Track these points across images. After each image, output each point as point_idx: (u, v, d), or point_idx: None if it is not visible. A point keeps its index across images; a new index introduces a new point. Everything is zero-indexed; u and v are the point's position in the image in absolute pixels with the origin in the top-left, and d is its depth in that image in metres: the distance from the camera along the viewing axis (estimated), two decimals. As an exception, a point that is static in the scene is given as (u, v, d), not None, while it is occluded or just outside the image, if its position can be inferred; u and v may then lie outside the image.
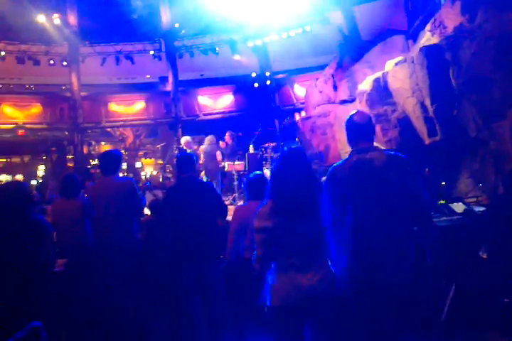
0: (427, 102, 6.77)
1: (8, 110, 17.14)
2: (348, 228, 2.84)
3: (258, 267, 2.83)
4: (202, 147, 10.64)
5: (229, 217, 4.71)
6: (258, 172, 4.63)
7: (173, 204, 4.63)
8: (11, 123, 16.80)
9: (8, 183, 4.08)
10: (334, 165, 3.02)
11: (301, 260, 2.77)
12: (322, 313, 2.81)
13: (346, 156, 3.07)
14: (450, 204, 4.53)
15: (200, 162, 10.01)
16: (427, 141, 6.87)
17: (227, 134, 11.02)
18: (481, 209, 4.37)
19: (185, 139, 10.55)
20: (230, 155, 10.64)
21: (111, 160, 5.01)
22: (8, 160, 18.78)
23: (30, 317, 3.07)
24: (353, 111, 3.19)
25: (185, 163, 4.73)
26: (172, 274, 4.69)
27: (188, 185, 4.63)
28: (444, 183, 5.17)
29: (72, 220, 5.00)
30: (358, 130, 3.03)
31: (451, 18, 7.36)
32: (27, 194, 3.72)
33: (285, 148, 2.97)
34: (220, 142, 11.11)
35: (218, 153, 10.70)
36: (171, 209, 4.63)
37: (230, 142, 10.88)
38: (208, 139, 10.86)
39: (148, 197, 7.72)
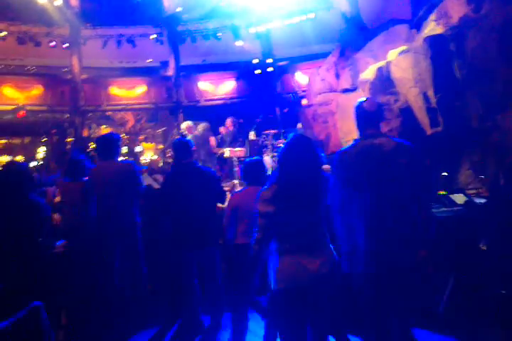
0: (430, 93, 6.76)
1: (9, 91, 17.05)
2: (357, 212, 2.88)
3: (257, 249, 2.85)
4: (194, 133, 10.52)
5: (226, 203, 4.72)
6: (256, 157, 4.63)
7: (171, 190, 4.64)
8: (12, 105, 16.75)
9: (8, 163, 4.09)
10: (342, 149, 3.05)
11: (304, 243, 2.81)
12: (324, 296, 2.85)
13: (347, 144, 3.10)
14: (451, 196, 4.55)
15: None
16: (429, 132, 6.86)
17: (228, 120, 10.92)
18: (482, 200, 4.39)
19: (186, 124, 10.52)
20: (231, 141, 10.57)
21: (108, 144, 4.97)
22: (8, 141, 18.72)
23: (29, 297, 3.10)
24: (363, 98, 3.22)
25: (183, 148, 4.72)
26: (172, 259, 4.73)
27: (186, 171, 4.63)
28: (445, 174, 5.18)
29: (77, 202, 5.03)
30: (368, 116, 3.09)
31: (456, 8, 7.31)
32: (27, 175, 3.74)
33: (292, 134, 2.99)
34: (222, 128, 11.04)
35: (212, 138, 10.62)
36: (169, 195, 4.65)
37: (231, 128, 10.78)
38: (202, 126, 10.77)
39: (148, 181, 7.72)
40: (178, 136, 10.55)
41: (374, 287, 2.87)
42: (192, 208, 4.48)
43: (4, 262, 3.54)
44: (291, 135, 2.95)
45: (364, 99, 3.23)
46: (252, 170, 4.28)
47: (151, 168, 11.09)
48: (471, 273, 3.60)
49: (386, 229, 2.86)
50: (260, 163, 4.34)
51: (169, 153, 11.42)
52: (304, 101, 13.28)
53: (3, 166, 4.01)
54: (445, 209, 4.26)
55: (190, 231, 4.48)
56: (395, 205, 2.87)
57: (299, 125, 11.59)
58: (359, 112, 3.11)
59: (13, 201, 3.57)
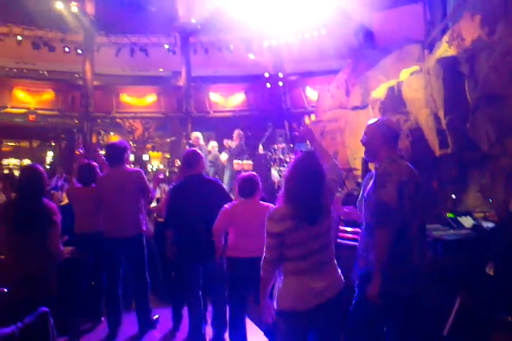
0: (441, 114, 6.78)
1: (21, 95, 17.23)
2: (414, 234, 2.93)
3: (267, 269, 2.84)
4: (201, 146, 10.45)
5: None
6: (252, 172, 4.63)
7: (178, 201, 4.65)
8: (23, 108, 16.89)
9: (29, 167, 4.12)
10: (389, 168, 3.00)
11: (313, 264, 2.79)
12: (331, 317, 2.83)
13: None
14: (458, 218, 4.55)
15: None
16: (438, 153, 6.87)
17: (235, 133, 10.86)
18: (490, 224, 4.38)
19: (194, 135, 10.56)
20: (238, 154, 10.53)
21: (118, 152, 4.99)
22: (17, 144, 18.84)
23: (38, 302, 3.11)
24: (383, 119, 3.24)
25: (191, 159, 4.75)
26: (178, 269, 4.73)
27: (193, 182, 4.65)
28: (453, 196, 5.18)
29: (87, 208, 5.05)
30: (397, 137, 3.11)
31: (469, 30, 7.37)
32: (45, 179, 3.80)
33: (299, 152, 3.01)
34: (226, 141, 11.02)
35: (223, 155, 10.73)
36: (175, 206, 4.65)
37: (237, 141, 10.72)
38: (214, 145, 10.84)
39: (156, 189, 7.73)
40: (187, 146, 10.58)
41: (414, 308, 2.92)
42: (198, 219, 4.48)
43: (19, 266, 3.58)
44: (299, 152, 2.97)
45: (386, 119, 3.25)
46: (245, 185, 4.29)
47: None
48: (477, 297, 3.59)
49: (424, 252, 2.98)
50: (253, 179, 4.32)
51: (177, 163, 11.43)
52: (313, 117, 13.31)
53: (26, 169, 4.06)
54: (453, 231, 4.26)
55: (196, 242, 4.49)
56: (421, 227, 3.00)
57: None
58: (390, 132, 3.07)
59: (30, 204, 3.62)
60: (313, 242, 2.79)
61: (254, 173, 4.50)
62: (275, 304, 2.82)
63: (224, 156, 10.75)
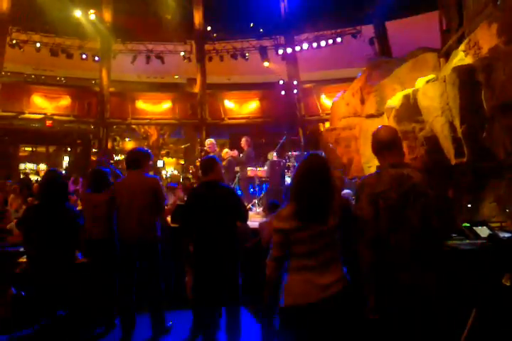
0: (456, 122, 6.73)
1: (39, 100, 17.46)
2: (396, 245, 2.84)
3: (273, 266, 2.86)
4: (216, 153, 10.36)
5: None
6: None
7: (193, 207, 4.66)
8: (40, 113, 17.10)
9: (51, 172, 4.19)
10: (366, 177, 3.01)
11: (318, 261, 2.80)
12: (335, 315, 2.82)
13: (370, 170, 3.10)
14: (474, 228, 4.50)
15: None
16: (453, 162, 6.82)
17: (243, 139, 10.68)
18: (506, 234, 4.34)
19: (209, 141, 10.57)
20: (246, 161, 10.41)
21: (140, 157, 5.05)
22: (34, 149, 19.08)
23: (56, 305, 3.15)
24: (383, 126, 3.22)
25: (208, 165, 4.77)
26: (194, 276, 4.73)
27: (208, 189, 4.66)
28: (469, 206, 5.14)
29: (99, 214, 5.08)
30: (389, 146, 3.06)
31: (486, 39, 7.32)
32: (66, 184, 3.87)
33: (305, 153, 3.02)
34: (229, 151, 10.79)
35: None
36: (191, 212, 4.67)
37: (245, 148, 10.59)
38: (229, 153, 10.70)
39: (169, 197, 7.77)
40: (202, 153, 10.58)
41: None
42: (212, 225, 4.49)
43: (42, 269, 3.63)
44: (305, 153, 2.99)
45: (384, 126, 3.22)
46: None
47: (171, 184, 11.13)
48: (493, 308, 3.55)
49: (422, 264, 2.84)
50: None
51: (191, 170, 11.46)
52: (327, 125, 13.32)
53: (47, 174, 4.13)
54: (468, 241, 4.22)
55: (209, 249, 4.49)
56: (421, 237, 2.86)
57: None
58: (383, 140, 3.06)
59: (55, 209, 3.69)
60: (319, 240, 2.81)
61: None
62: (281, 301, 2.82)
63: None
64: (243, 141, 10.57)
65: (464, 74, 6.73)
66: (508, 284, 3.52)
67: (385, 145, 3.05)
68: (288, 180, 10.13)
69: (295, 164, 10.57)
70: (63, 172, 15.92)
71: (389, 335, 2.87)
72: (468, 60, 7.61)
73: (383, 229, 2.83)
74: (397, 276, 2.81)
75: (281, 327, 2.89)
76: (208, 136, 14.13)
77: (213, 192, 4.63)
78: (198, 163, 11.10)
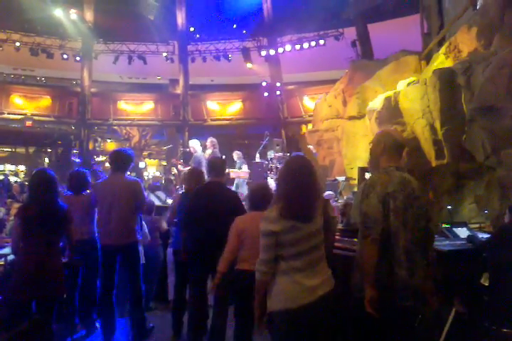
0: (437, 125, 6.80)
1: (18, 101, 17.25)
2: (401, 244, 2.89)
3: (262, 270, 2.85)
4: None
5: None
6: (262, 182, 4.64)
7: (192, 208, 4.65)
8: (20, 114, 16.89)
9: (41, 171, 4.22)
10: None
11: (306, 263, 2.81)
12: (325, 316, 2.83)
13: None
14: (454, 229, 4.55)
15: None
16: (434, 163, 6.89)
17: (208, 141, 10.44)
18: (485, 235, 4.39)
19: (193, 143, 10.49)
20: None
21: (124, 159, 5.00)
22: (13, 149, 18.83)
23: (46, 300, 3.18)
24: (387, 129, 3.25)
25: (222, 167, 4.83)
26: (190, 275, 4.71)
27: (208, 190, 4.66)
28: (449, 207, 5.19)
29: (78, 216, 5.01)
30: (397, 149, 3.09)
31: (466, 42, 7.42)
32: (57, 181, 3.94)
33: (290, 155, 3.04)
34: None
35: None
36: (191, 212, 4.66)
37: (211, 149, 10.42)
38: (209, 154, 10.54)
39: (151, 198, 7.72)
40: (183, 154, 10.51)
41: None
42: (211, 226, 4.47)
43: (32, 265, 3.65)
44: (290, 155, 3.00)
45: (388, 130, 3.26)
46: (256, 195, 4.27)
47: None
48: (471, 308, 3.59)
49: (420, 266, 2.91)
50: (266, 188, 4.33)
51: (173, 171, 11.39)
52: (309, 127, 13.36)
53: (38, 172, 4.12)
54: (448, 242, 4.26)
55: (207, 248, 4.47)
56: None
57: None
58: (392, 142, 3.07)
59: (51, 206, 3.76)
60: (307, 241, 2.81)
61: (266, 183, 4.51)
62: (271, 304, 2.82)
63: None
64: (208, 142, 10.28)
65: (445, 77, 6.81)
66: (486, 284, 3.56)
67: (394, 147, 3.07)
68: (271, 181, 10.14)
69: (277, 165, 10.57)
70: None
71: (381, 332, 2.89)
72: (449, 63, 7.70)
73: (392, 230, 2.88)
74: (402, 275, 2.85)
75: (272, 330, 2.89)
76: (190, 138, 14.07)
77: (222, 194, 4.64)
78: (178, 164, 11.03)
